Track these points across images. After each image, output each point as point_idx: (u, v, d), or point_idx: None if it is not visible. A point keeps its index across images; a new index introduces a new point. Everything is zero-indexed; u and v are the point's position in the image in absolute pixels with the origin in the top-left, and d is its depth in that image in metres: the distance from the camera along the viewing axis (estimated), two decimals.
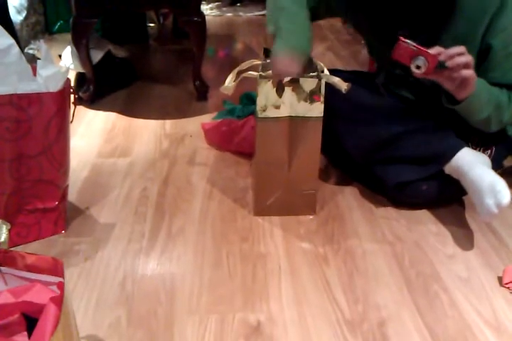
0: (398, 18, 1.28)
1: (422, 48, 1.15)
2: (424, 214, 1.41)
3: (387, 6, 1.29)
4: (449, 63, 1.15)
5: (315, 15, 1.43)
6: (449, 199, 1.44)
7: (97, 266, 1.19)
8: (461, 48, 1.15)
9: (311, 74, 1.28)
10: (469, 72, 1.16)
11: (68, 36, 2.08)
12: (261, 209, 1.38)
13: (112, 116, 1.99)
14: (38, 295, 0.73)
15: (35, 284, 0.74)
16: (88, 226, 1.33)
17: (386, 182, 1.40)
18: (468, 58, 1.15)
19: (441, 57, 1.15)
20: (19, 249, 1.21)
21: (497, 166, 1.40)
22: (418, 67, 1.17)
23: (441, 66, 1.16)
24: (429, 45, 1.16)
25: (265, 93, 1.26)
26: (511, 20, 1.25)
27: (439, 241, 1.30)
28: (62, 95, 1.19)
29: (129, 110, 2.04)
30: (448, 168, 1.34)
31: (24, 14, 2.25)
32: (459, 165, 1.31)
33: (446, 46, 1.16)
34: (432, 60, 1.15)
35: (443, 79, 1.19)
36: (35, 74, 1.15)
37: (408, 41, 1.16)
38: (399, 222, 1.37)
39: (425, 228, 1.35)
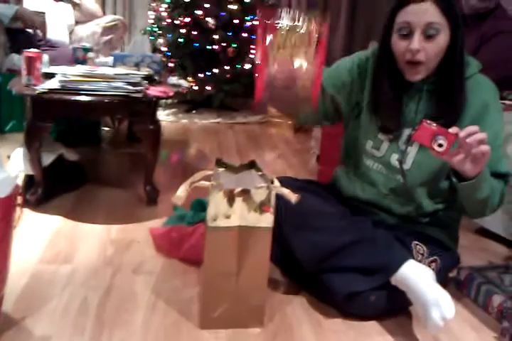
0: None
1: (442, 128, 1.25)
2: (371, 326, 1.39)
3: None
4: (469, 139, 1.22)
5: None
6: (397, 310, 1.44)
7: None
8: (476, 127, 1.23)
9: (261, 185, 1.32)
10: (487, 148, 1.23)
11: (20, 136, 2.08)
12: (207, 322, 1.33)
13: (58, 219, 1.95)
14: None
15: None
16: (22, 339, 1.24)
17: (335, 292, 1.39)
18: (484, 135, 1.23)
19: (461, 134, 1.22)
20: None
21: (441, 279, 1.42)
22: (440, 146, 1.25)
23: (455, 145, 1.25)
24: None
25: (216, 203, 1.27)
26: (497, 118, 1.42)
27: None
28: (8, 201, 1.17)
29: (75, 214, 2.00)
30: (394, 280, 1.36)
31: None
32: (404, 277, 1.33)
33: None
34: (451, 138, 1.24)
35: (460, 159, 1.25)
36: None
37: (430, 122, 1.26)
38: (347, 334, 1.35)
39: (371, 340, 1.33)
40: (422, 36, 1.33)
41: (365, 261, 1.38)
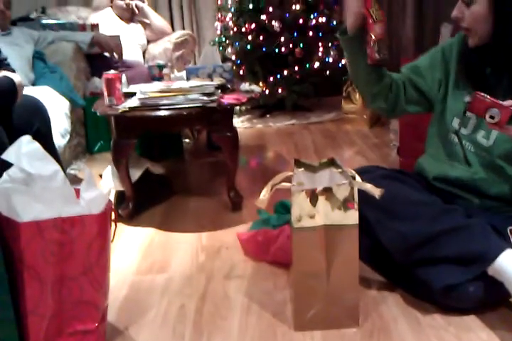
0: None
1: (496, 101, 1.24)
2: (472, 320, 1.34)
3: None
4: None
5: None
6: (496, 301, 1.38)
7: None
8: None
9: (343, 182, 1.30)
10: None
11: (108, 155, 2.20)
12: (301, 324, 1.34)
13: (150, 231, 2.04)
14: None
15: None
16: None
17: (431, 285, 1.35)
18: None
19: None
20: None
21: None
22: (492, 117, 1.24)
23: None
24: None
25: (299, 203, 1.28)
26: None
27: None
28: (103, 217, 1.23)
29: (166, 225, 2.09)
30: (491, 270, 1.30)
31: (67, 138, 2.41)
32: (501, 268, 1.27)
33: None
34: (506, 111, 1.22)
35: None
36: (78, 197, 1.21)
37: (483, 94, 1.26)
38: (447, 330, 1.31)
39: (475, 335, 1.28)
40: (463, 4, 1.37)
41: (459, 251, 1.33)
